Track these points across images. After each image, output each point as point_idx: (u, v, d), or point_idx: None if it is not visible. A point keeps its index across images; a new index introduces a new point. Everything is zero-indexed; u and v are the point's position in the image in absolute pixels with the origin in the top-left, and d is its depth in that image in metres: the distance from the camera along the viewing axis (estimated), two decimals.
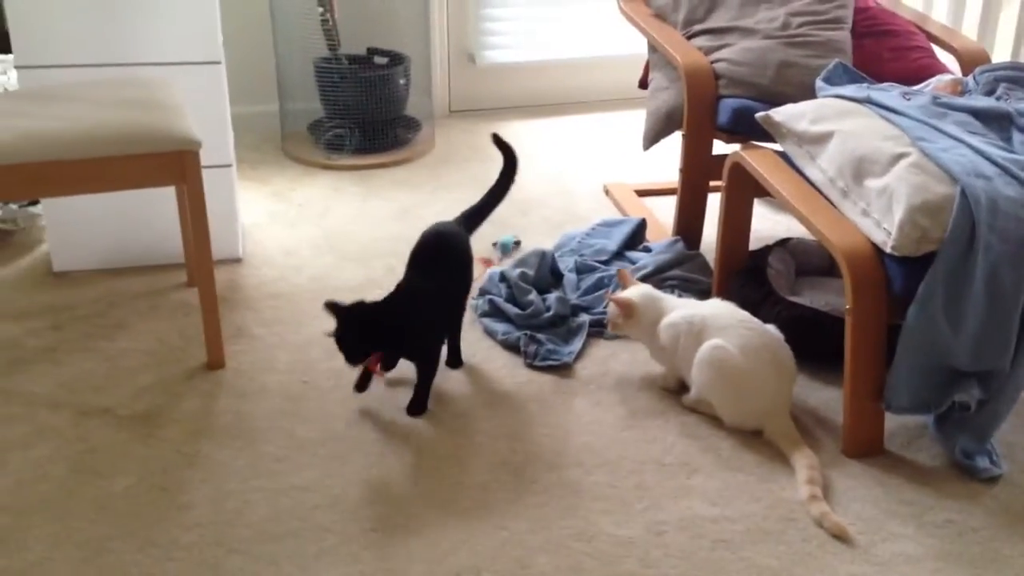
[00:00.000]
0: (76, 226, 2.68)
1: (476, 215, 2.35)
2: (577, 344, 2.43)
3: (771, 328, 2.16)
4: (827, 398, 2.18)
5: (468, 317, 2.53)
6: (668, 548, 1.80)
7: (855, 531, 1.82)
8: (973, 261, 1.87)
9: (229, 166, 2.72)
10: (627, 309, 2.21)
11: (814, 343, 2.20)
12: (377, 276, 2.73)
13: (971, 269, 1.87)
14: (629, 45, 3.53)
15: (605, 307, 2.40)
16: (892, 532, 1.83)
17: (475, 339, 2.46)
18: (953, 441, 1.98)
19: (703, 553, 1.79)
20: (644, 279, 2.60)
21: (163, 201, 2.58)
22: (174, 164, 2.18)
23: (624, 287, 2.28)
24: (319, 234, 2.96)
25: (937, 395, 1.97)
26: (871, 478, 1.96)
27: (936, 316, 1.90)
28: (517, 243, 2.87)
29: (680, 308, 2.21)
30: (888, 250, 1.92)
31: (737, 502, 1.91)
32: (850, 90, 2.31)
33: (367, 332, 2.10)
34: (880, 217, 1.96)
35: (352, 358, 2.11)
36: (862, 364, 1.99)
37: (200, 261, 2.27)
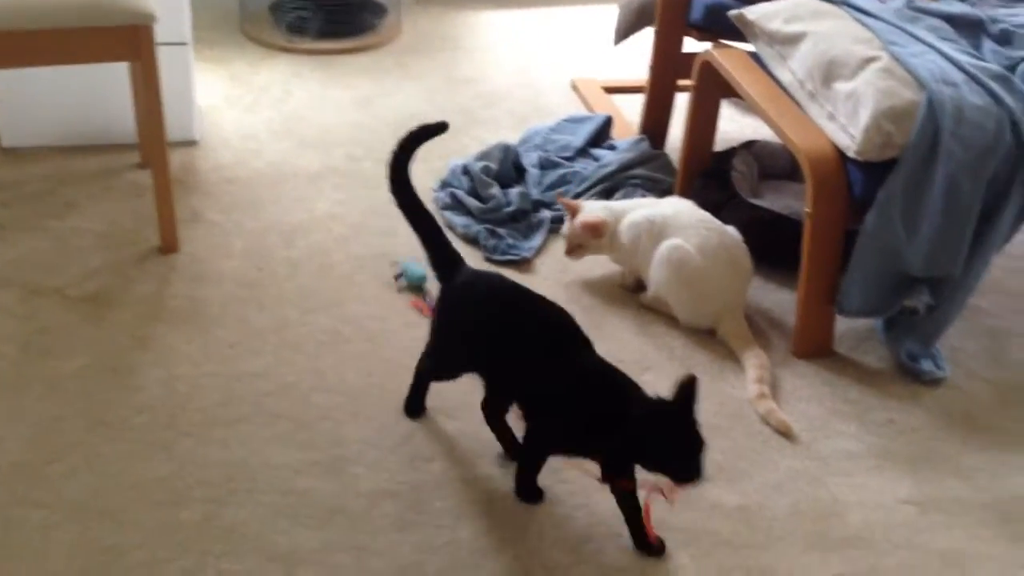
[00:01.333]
0: (28, 101, 2.59)
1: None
2: (537, 240, 2.42)
3: (730, 229, 2.16)
4: (781, 300, 2.20)
5: (431, 208, 2.50)
6: None
7: (799, 428, 1.86)
8: (934, 168, 1.87)
9: (185, 44, 2.63)
10: (598, 229, 2.18)
11: (772, 245, 2.21)
12: (336, 163, 2.68)
13: (931, 176, 1.88)
14: None
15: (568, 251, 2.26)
16: (835, 430, 1.87)
17: None
18: (900, 344, 2.02)
19: None
20: (607, 177, 2.58)
21: (117, 78, 2.50)
22: (127, 38, 2.09)
23: (573, 215, 2.21)
24: (278, 119, 2.89)
25: (888, 300, 2.00)
26: (818, 378, 2.00)
27: (893, 221, 1.91)
28: (423, 279, 2.20)
29: (640, 208, 2.21)
30: (851, 155, 1.92)
31: None
32: None
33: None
34: (846, 121, 1.95)
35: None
36: (817, 267, 2.01)
37: (153, 141, 2.21)
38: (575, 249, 2.23)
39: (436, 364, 1.81)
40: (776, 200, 2.41)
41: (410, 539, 1.63)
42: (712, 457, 1.78)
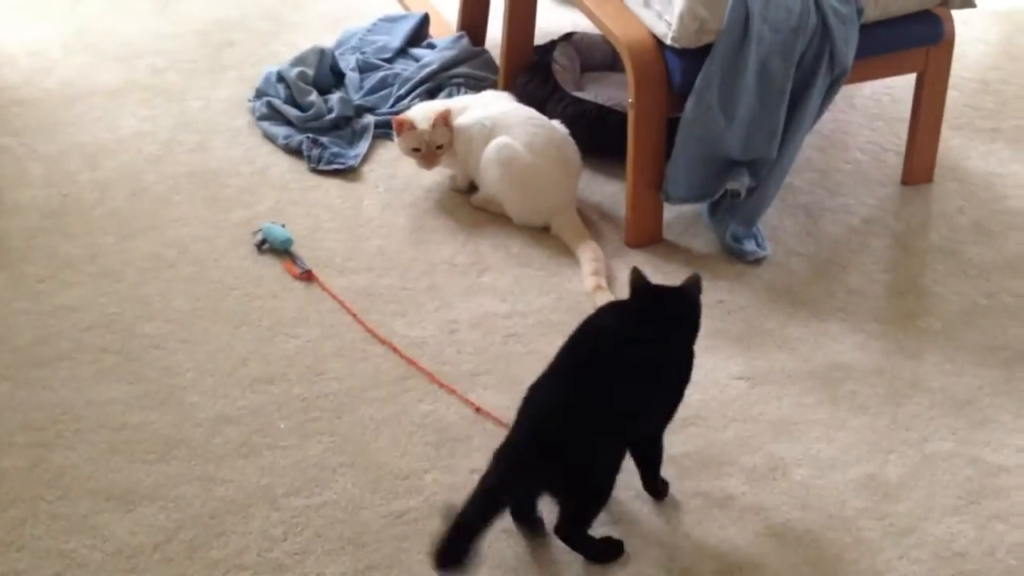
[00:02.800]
0: None
1: None
2: (363, 146, 2.34)
3: (557, 124, 2.16)
4: (611, 192, 2.23)
5: (246, 120, 2.38)
6: (461, 345, 1.83)
7: None
8: (746, 52, 1.92)
9: None
10: (447, 116, 2.09)
11: (598, 138, 2.22)
12: (139, 77, 2.49)
13: (744, 60, 1.92)
14: None
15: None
16: None
17: (254, 144, 2.32)
18: (724, 227, 2.09)
19: (495, 348, 1.83)
20: (429, 77, 2.51)
21: None
22: None
23: (406, 129, 2.09)
24: (70, 30, 2.65)
25: (711, 184, 2.05)
26: (651, 266, 2.05)
27: (712, 107, 1.95)
28: (288, 242, 2.02)
29: (469, 111, 2.16)
30: (669, 42, 1.93)
31: (526, 297, 1.96)
32: None
33: None
34: (661, 9, 1.95)
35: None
36: (643, 157, 2.03)
37: None
38: (429, 156, 2.12)
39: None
40: (599, 92, 2.42)
41: (256, 463, 1.59)
42: (551, 352, 1.81)
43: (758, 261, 2.06)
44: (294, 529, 1.48)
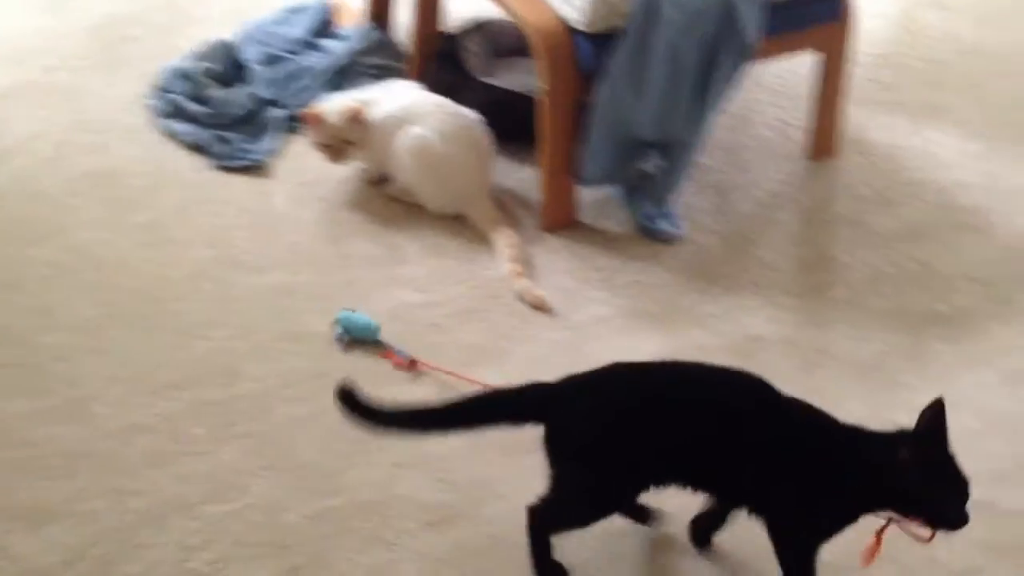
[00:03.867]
0: None
1: None
2: (271, 142, 2.29)
3: (468, 112, 2.14)
4: (524, 177, 2.22)
5: (146, 118, 2.31)
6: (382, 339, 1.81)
7: (554, 301, 1.91)
8: (655, 35, 1.92)
9: None
10: (359, 113, 2.04)
11: (510, 124, 2.20)
12: (31, 77, 2.40)
13: (653, 43, 1.93)
14: None
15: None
16: (587, 298, 1.93)
17: (155, 142, 2.25)
18: (638, 208, 2.11)
19: (415, 339, 1.81)
20: (338, 68, 2.47)
21: None
22: None
23: (316, 123, 2.05)
24: None
25: (624, 166, 2.06)
26: (567, 250, 2.05)
27: (623, 90, 1.96)
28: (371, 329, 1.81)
29: (380, 103, 2.12)
30: (579, 27, 1.93)
31: (443, 286, 1.94)
32: None
33: None
34: None
35: None
36: (555, 141, 2.03)
37: None
38: (339, 150, 2.08)
39: (599, 506, 1.35)
40: (510, 78, 2.41)
41: (170, 472, 1.54)
42: (474, 340, 1.81)
43: (672, 240, 2.08)
44: (213, 537, 1.45)
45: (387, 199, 2.15)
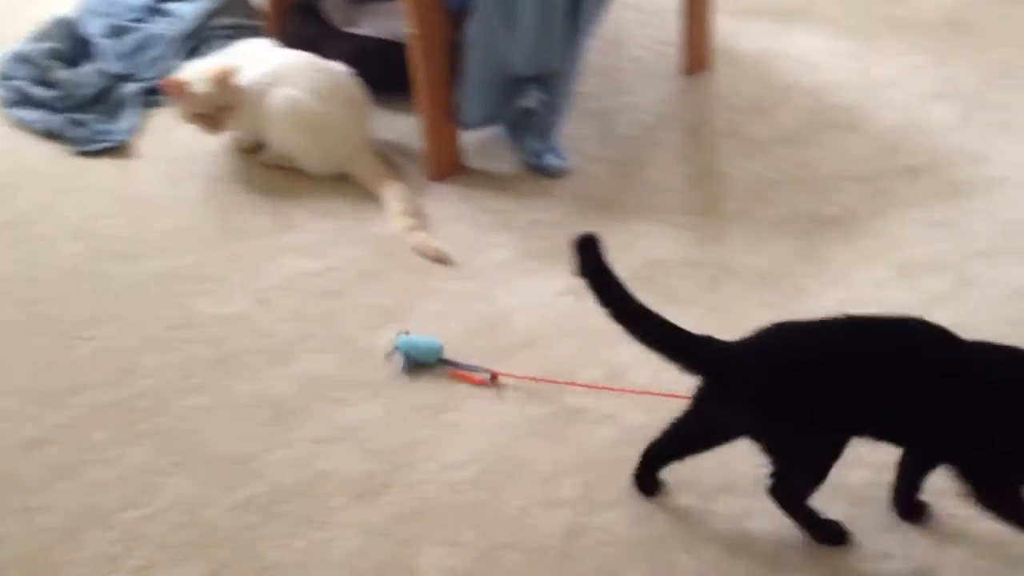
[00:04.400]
0: None
1: None
2: (131, 119, 2.16)
3: (337, 66, 2.06)
4: (404, 127, 2.16)
5: None
6: (278, 314, 1.75)
7: (453, 250, 1.87)
8: None
9: None
10: (229, 74, 1.92)
11: (382, 74, 2.13)
12: None
13: None
14: None
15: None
16: (486, 243, 1.90)
17: (4, 134, 2.10)
18: (524, 145, 2.07)
19: (314, 309, 1.76)
20: (190, 33, 2.34)
21: None
22: None
23: (181, 94, 1.92)
24: None
25: (504, 104, 2.02)
26: (459, 196, 2.01)
27: (493, 26, 1.91)
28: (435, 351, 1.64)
29: (245, 68, 2.02)
30: None
31: (336, 249, 1.88)
32: None
33: None
34: None
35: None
36: (431, 87, 1.97)
37: None
38: (215, 119, 1.96)
39: (809, 477, 1.28)
40: (375, 25, 2.32)
41: (77, 483, 1.46)
42: (377, 302, 1.76)
43: (561, 174, 2.06)
44: (134, 545, 1.38)
45: (264, 167, 2.06)
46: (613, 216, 1.95)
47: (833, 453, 1.25)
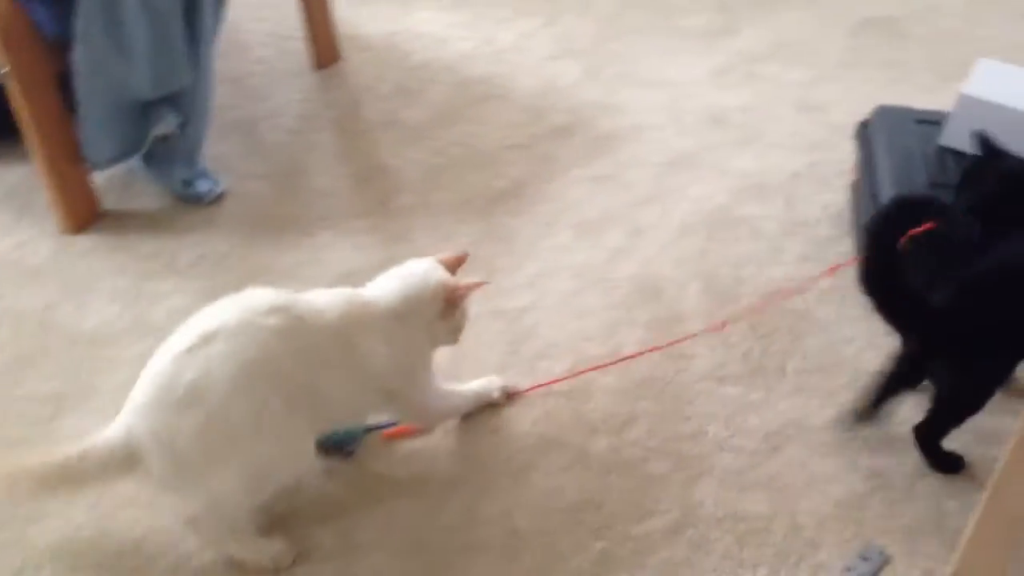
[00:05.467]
0: None
1: None
2: None
3: None
4: (17, 179, 1.86)
5: None
6: None
7: (118, 310, 1.64)
8: None
9: None
10: None
11: None
12: None
13: None
14: None
15: None
16: (155, 293, 1.69)
17: None
18: (169, 176, 1.87)
19: None
20: None
21: None
22: None
23: None
24: None
25: (135, 134, 1.81)
26: (108, 247, 1.77)
27: (103, 51, 1.68)
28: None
29: None
30: None
31: None
32: None
33: None
34: None
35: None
36: (45, 127, 1.71)
37: None
38: None
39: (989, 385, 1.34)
40: None
41: None
42: (49, 391, 1.51)
43: (217, 198, 1.89)
44: None
45: None
46: (288, 233, 1.82)
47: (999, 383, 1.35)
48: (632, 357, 1.55)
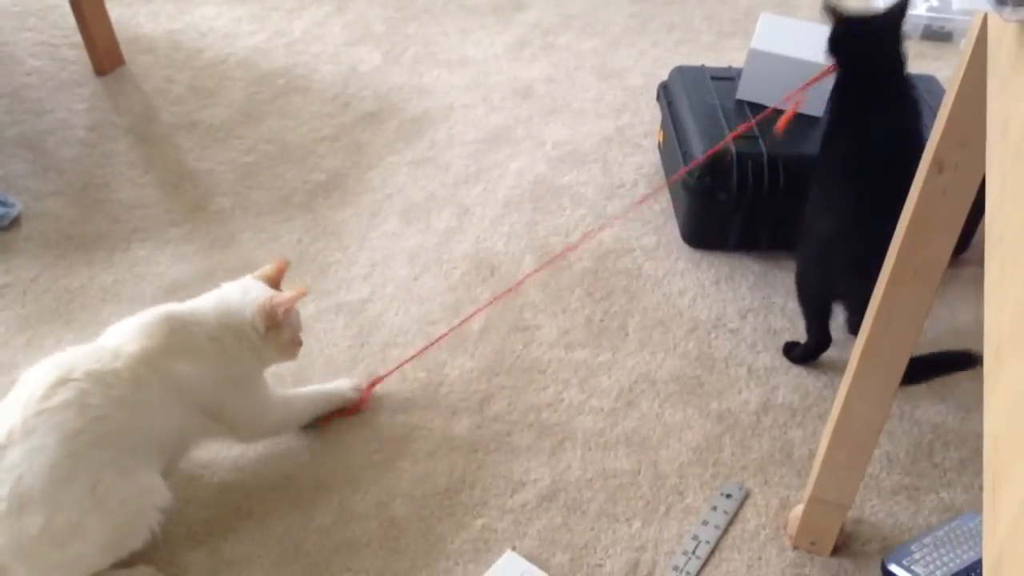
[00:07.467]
0: None
1: None
2: None
3: None
4: None
5: None
6: None
7: None
8: None
9: None
10: None
11: None
12: None
13: None
14: None
15: None
16: None
17: None
18: None
19: None
20: None
21: None
22: None
23: None
24: None
25: None
26: None
27: None
28: None
29: None
30: None
31: None
32: None
33: None
34: None
35: None
36: None
37: None
38: None
39: None
40: None
41: None
42: None
43: (11, 222, 1.74)
44: None
45: None
46: (99, 250, 1.71)
47: None
48: (472, 316, 1.57)
